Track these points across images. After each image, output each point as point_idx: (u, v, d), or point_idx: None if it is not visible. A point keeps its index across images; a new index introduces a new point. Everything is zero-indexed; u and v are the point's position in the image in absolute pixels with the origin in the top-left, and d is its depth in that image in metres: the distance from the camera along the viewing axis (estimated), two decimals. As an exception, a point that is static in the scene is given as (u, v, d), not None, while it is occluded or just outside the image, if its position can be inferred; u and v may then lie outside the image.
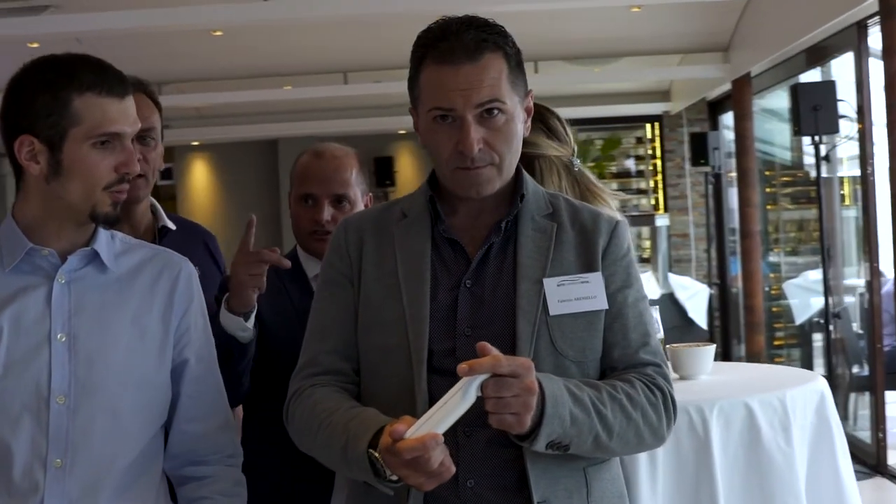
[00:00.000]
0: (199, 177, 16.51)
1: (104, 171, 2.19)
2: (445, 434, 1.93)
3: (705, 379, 3.29)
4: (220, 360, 2.41)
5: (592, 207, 2.32)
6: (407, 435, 1.90)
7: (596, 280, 2.20)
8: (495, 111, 2.15)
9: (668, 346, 3.22)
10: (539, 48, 10.31)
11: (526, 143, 2.32)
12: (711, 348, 3.31)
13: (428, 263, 2.22)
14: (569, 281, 2.19)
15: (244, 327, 2.71)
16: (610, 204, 2.93)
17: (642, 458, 2.77)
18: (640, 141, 14.48)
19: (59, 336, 2.20)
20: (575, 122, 3.27)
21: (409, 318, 2.18)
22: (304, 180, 3.06)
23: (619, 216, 2.40)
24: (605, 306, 2.20)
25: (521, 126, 2.22)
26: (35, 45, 7.79)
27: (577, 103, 12.49)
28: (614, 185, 12.10)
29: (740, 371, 3.69)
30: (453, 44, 2.12)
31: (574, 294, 2.18)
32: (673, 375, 2.56)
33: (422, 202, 2.27)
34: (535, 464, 2.09)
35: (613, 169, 14.37)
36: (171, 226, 3.06)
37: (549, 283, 2.17)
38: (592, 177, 3.03)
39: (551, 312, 2.15)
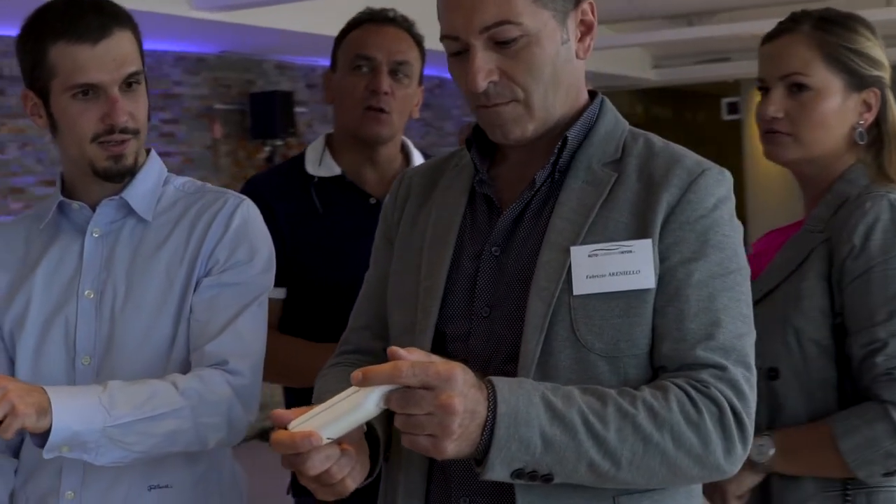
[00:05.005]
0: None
1: (88, 124, 2.00)
2: None
3: None
4: None
5: (681, 152, 1.73)
6: (291, 426, 1.50)
7: (643, 249, 1.64)
8: (510, 34, 1.67)
9: None
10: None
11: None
12: None
13: (457, 225, 1.79)
14: (605, 250, 1.65)
15: None
16: None
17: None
18: None
19: (86, 292, 2.05)
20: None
21: (422, 292, 1.78)
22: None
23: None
24: (651, 285, 1.63)
25: (564, 49, 1.71)
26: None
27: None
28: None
29: None
30: None
31: (609, 268, 1.64)
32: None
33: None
34: (528, 490, 1.60)
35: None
36: None
37: (578, 253, 1.65)
38: None
39: (575, 291, 1.63)
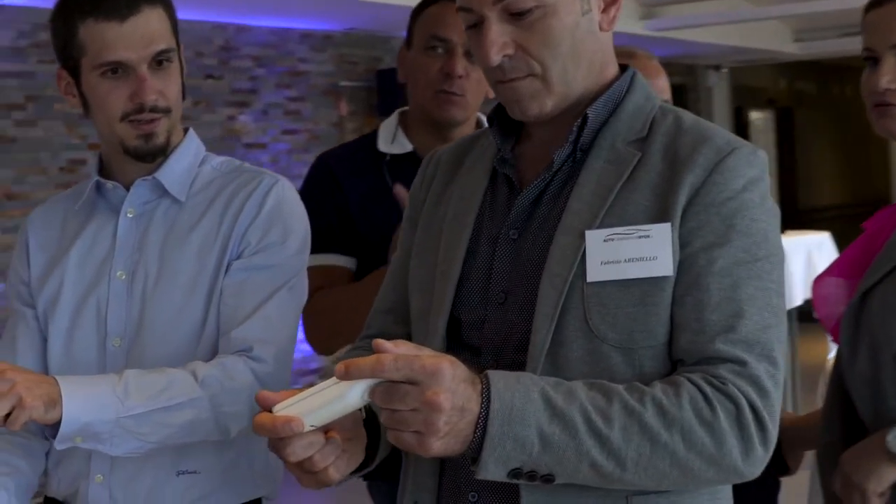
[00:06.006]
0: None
1: (117, 102, 1.97)
2: None
3: None
4: None
5: (711, 130, 1.61)
6: (275, 409, 1.44)
7: (661, 234, 1.53)
8: (524, 4, 1.57)
9: None
10: None
11: None
12: None
13: (476, 207, 1.70)
14: (621, 234, 1.55)
15: None
16: None
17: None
18: None
19: (118, 273, 2.03)
20: None
21: (438, 276, 1.70)
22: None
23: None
24: (669, 272, 1.52)
25: (585, 20, 1.61)
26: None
27: None
28: None
29: None
30: None
31: (625, 253, 1.54)
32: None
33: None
34: (533, 487, 1.51)
35: None
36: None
37: (594, 237, 1.55)
38: None
39: (589, 278, 1.54)
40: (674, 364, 1.54)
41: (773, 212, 1.58)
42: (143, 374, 1.89)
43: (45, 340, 2.06)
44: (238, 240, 2.01)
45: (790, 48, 12.45)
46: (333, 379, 1.41)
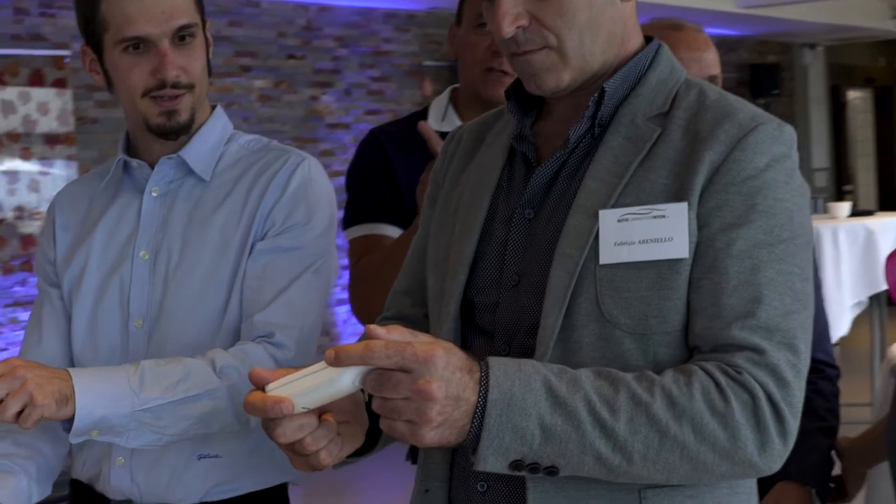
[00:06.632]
0: None
1: (138, 78, 1.93)
2: None
3: None
4: None
5: (737, 105, 1.51)
6: (268, 388, 1.39)
7: (678, 214, 1.45)
8: None
9: None
10: None
11: None
12: None
13: (492, 186, 1.64)
14: (636, 214, 1.47)
15: None
16: None
17: None
18: None
19: (141, 253, 2.00)
20: None
21: (452, 257, 1.64)
22: None
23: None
24: (684, 254, 1.44)
25: None
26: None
27: None
28: None
29: None
30: None
31: (639, 234, 1.46)
32: None
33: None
34: (539, 481, 1.45)
35: None
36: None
37: (607, 217, 1.47)
38: None
39: (602, 260, 1.46)
40: (691, 352, 1.46)
41: (800, 191, 1.49)
42: (160, 364, 1.86)
43: (69, 321, 2.04)
44: (262, 220, 1.97)
45: (888, 25, 12.14)
46: (316, 366, 1.37)
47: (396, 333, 1.34)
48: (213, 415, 1.86)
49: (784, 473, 2.25)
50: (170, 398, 1.82)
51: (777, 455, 1.40)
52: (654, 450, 1.37)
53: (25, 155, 6.45)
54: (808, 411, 2.32)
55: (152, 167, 2.02)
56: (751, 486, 1.55)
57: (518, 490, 1.49)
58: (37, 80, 6.52)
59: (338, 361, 1.32)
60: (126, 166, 2.06)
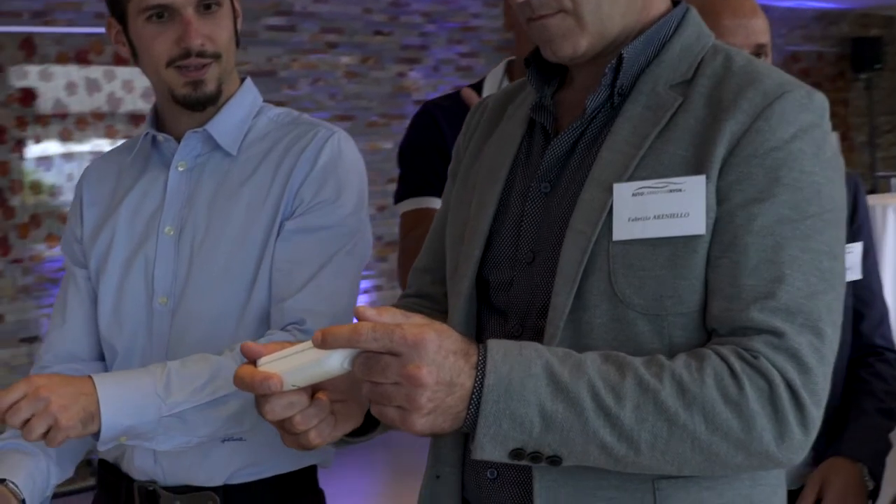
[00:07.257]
0: None
1: (163, 47, 1.89)
2: None
3: None
4: None
5: (764, 71, 1.41)
6: (259, 363, 1.33)
7: (695, 188, 1.36)
8: None
9: None
10: None
11: None
12: None
13: (510, 159, 1.56)
14: (651, 188, 1.38)
15: None
16: None
17: None
18: None
19: (166, 229, 1.96)
20: None
21: (467, 234, 1.57)
22: None
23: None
24: (701, 231, 1.35)
25: None
26: None
27: None
28: None
29: None
30: None
31: (654, 209, 1.37)
32: None
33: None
34: (545, 470, 1.38)
35: None
36: None
37: (622, 191, 1.39)
38: None
39: (615, 236, 1.38)
40: (709, 335, 1.38)
41: (830, 164, 1.39)
42: (186, 365, 1.82)
43: (94, 302, 2.01)
44: (292, 196, 1.91)
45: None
46: (305, 344, 1.31)
47: (387, 315, 1.27)
48: (241, 415, 1.82)
49: (835, 450, 2.16)
50: (197, 401, 1.79)
51: (798, 446, 1.31)
52: (663, 440, 1.29)
53: (110, 133, 6.48)
54: (867, 393, 2.23)
55: (179, 141, 1.98)
56: (777, 478, 1.46)
57: (528, 478, 1.42)
58: (121, 58, 6.54)
59: (325, 344, 1.26)
60: (154, 140, 2.02)
